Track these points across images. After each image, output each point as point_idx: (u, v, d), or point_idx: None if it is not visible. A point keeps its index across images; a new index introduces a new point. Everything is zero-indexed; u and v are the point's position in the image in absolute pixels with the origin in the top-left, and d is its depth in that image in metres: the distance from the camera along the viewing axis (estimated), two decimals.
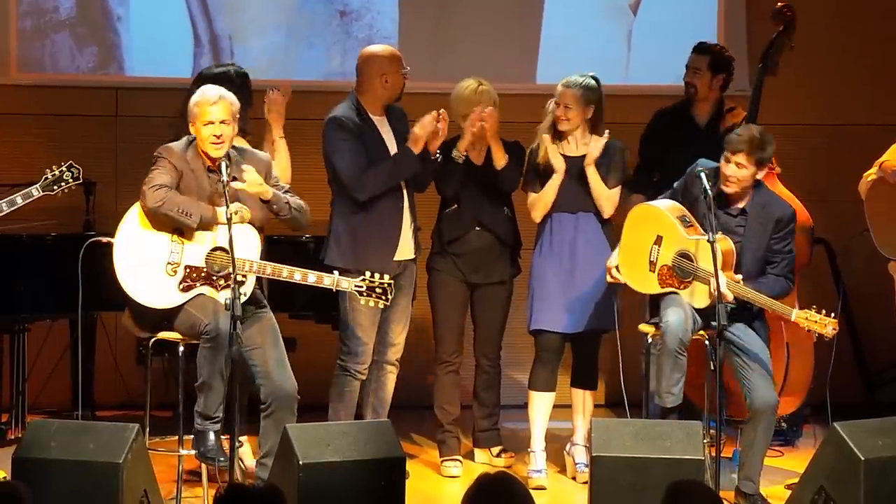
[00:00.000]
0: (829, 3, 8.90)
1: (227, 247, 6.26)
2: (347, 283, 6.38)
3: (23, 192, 6.81)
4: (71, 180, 6.88)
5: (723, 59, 7.63)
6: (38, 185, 6.83)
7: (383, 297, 6.40)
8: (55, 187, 6.86)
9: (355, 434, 6.05)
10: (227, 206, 6.20)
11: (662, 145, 7.57)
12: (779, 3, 7.68)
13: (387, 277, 6.42)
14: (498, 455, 7.47)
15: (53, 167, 6.86)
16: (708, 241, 6.48)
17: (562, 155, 7.15)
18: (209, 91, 6.46)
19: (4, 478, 6.10)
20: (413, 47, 7.49)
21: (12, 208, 6.80)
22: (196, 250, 6.41)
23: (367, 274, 6.40)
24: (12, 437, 7.57)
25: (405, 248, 7.16)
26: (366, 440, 6.01)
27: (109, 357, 8.18)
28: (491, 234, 7.35)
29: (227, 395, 6.25)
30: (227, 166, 6.30)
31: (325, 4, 8.80)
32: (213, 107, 6.38)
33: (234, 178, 6.35)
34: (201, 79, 7.01)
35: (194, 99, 6.46)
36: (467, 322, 7.48)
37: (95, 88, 7.47)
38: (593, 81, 7.18)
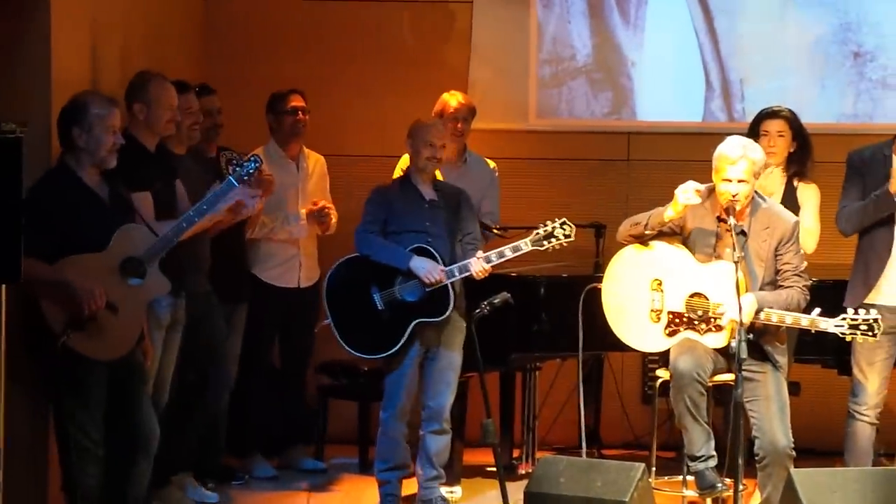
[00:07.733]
0: None
1: (704, 292, 6.32)
2: (826, 324, 6.27)
3: (513, 244, 6.83)
4: (562, 237, 6.81)
5: None
6: (527, 240, 6.82)
7: (869, 333, 6.25)
8: (545, 243, 6.82)
9: (865, 482, 5.90)
10: (735, 250, 6.20)
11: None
12: None
13: (873, 312, 6.28)
14: None
15: (547, 222, 6.82)
16: None
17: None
18: (731, 144, 6.45)
19: None
20: None
21: (501, 260, 6.84)
22: (675, 296, 6.46)
23: (850, 312, 6.29)
24: (523, 471, 7.82)
25: None
26: (874, 489, 5.84)
27: (616, 396, 8.31)
28: None
29: (730, 440, 6.20)
30: (732, 213, 6.30)
31: (839, 46, 8.67)
32: (733, 166, 6.38)
33: (742, 232, 6.37)
34: None
35: (719, 148, 6.47)
36: None
37: (608, 133, 7.63)
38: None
